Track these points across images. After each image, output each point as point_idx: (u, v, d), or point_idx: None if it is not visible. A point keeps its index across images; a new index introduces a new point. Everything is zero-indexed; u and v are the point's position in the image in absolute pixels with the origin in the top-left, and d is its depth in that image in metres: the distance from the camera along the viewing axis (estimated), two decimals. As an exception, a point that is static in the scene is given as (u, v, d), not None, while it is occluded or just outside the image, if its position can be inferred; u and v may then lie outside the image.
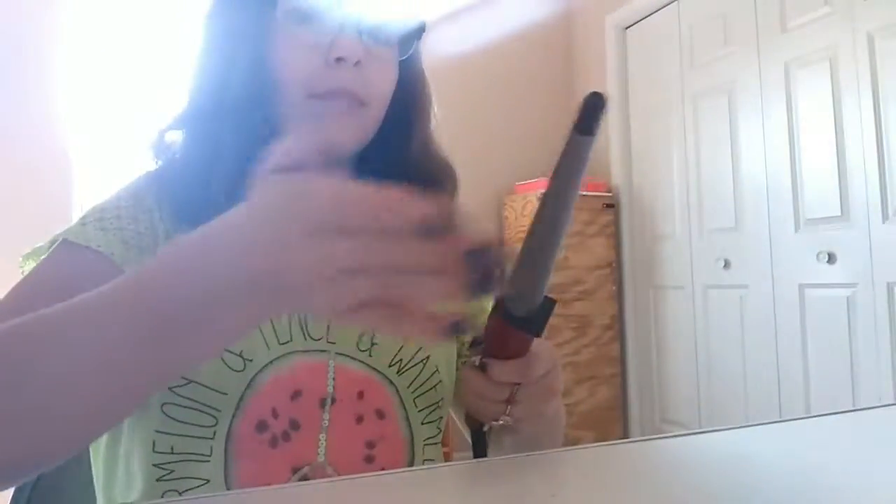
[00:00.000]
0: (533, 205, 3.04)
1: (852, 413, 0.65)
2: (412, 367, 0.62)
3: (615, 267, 3.21)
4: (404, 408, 0.61)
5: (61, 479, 0.71)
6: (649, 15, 3.14)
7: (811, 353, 2.31)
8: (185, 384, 0.53)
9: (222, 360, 0.54)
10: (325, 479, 0.52)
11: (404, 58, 0.63)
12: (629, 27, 3.28)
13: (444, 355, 0.66)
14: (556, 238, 0.44)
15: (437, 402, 0.64)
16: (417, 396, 0.62)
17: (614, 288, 3.19)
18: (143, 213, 0.59)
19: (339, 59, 0.57)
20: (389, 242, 0.31)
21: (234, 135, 0.57)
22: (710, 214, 2.80)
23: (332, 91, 0.58)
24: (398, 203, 0.31)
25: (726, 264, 2.70)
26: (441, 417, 0.65)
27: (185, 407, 0.53)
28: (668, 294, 3.02)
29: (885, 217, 2.10)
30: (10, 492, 0.69)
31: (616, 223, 3.25)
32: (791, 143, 2.41)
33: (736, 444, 0.53)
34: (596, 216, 3.17)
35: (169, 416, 0.53)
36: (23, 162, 2.42)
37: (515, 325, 0.48)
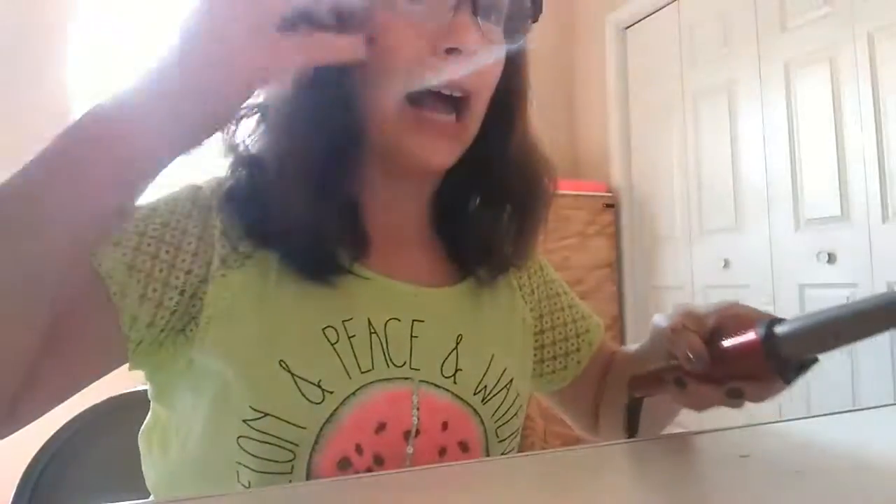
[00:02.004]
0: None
1: (852, 413, 0.65)
2: (496, 393, 0.58)
3: (615, 267, 3.21)
4: (486, 438, 0.57)
5: (62, 479, 0.71)
6: (649, 15, 3.14)
7: (811, 353, 2.30)
8: (261, 417, 0.48)
9: (300, 391, 0.49)
10: (333, 479, 0.51)
11: (514, 45, 0.55)
12: (629, 27, 3.28)
13: (523, 378, 0.63)
14: (864, 335, 0.42)
15: (516, 430, 0.60)
16: (500, 426, 0.58)
17: (614, 288, 3.19)
18: (197, 218, 0.53)
19: (451, 50, 0.50)
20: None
21: (318, 137, 0.51)
22: (710, 214, 2.80)
23: (441, 87, 0.51)
24: None
25: (726, 264, 2.69)
26: (516, 447, 0.61)
27: (260, 441, 0.48)
28: (668, 294, 3.02)
29: (885, 217, 2.10)
30: (11, 492, 0.69)
31: (616, 223, 3.25)
32: (791, 142, 2.40)
33: (736, 444, 0.53)
34: (596, 216, 3.17)
35: (245, 451, 0.49)
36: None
37: (773, 358, 0.45)
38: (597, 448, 0.51)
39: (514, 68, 0.58)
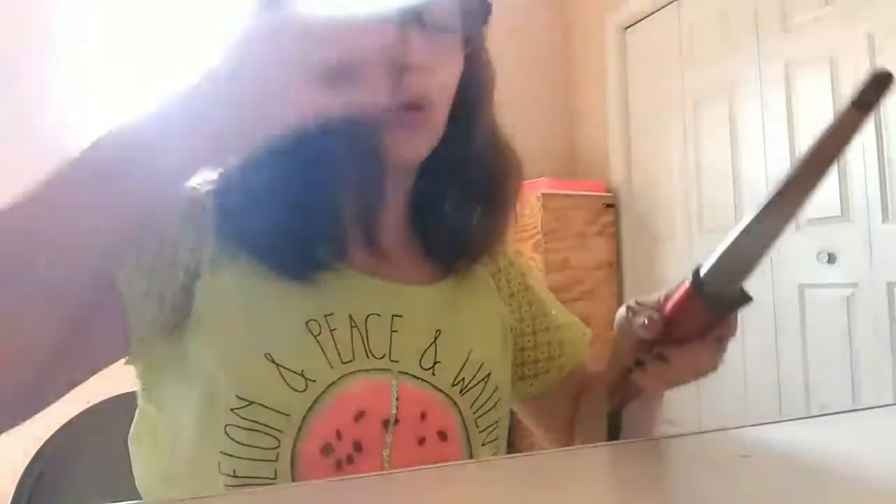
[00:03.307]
0: (533, 205, 3.05)
1: (852, 413, 0.65)
2: (474, 385, 0.60)
3: (615, 267, 3.21)
4: (465, 428, 0.59)
5: (61, 480, 0.71)
6: (649, 15, 3.14)
7: (811, 353, 2.31)
8: (246, 405, 0.51)
9: (284, 380, 0.51)
10: (333, 479, 0.51)
11: (469, 49, 0.58)
12: (629, 27, 3.28)
13: (503, 372, 0.65)
14: (791, 216, 0.43)
15: (497, 422, 0.62)
16: (479, 416, 0.60)
17: (614, 288, 3.19)
18: (186, 226, 0.54)
19: (406, 67, 0.51)
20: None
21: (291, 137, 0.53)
22: (710, 214, 2.80)
23: (396, 100, 0.52)
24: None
25: (726, 264, 2.69)
26: (499, 437, 0.63)
27: (246, 429, 0.51)
28: (668, 294, 3.02)
29: (885, 217, 2.10)
30: (11, 492, 0.69)
31: (616, 223, 3.25)
32: (791, 143, 2.40)
33: (736, 444, 0.53)
34: (596, 216, 3.17)
35: (232, 439, 0.51)
36: (29, 163, 2.42)
37: (705, 300, 0.47)
38: (595, 448, 0.51)
39: (473, 70, 0.60)
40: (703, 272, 0.47)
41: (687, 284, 0.48)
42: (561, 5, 3.61)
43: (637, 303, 0.51)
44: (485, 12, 0.58)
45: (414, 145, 0.57)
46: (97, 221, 0.39)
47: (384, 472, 0.49)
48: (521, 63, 3.42)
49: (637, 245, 3.21)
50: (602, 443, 0.55)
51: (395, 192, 0.62)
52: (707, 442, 0.53)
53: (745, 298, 0.47)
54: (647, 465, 0.48)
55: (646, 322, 0.49)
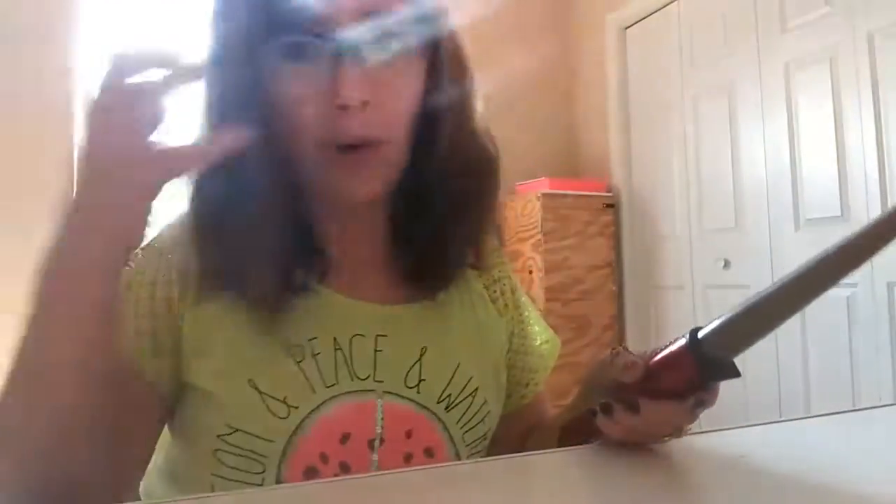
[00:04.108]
0: (533, 205, 3.05)
1: (852, 413, 0.65)
2: (461, 401, 0.60)
3: (615, 267, 3.20)
4: (453, 444, 0.59)
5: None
6: (649, 15, 3.14)
7: (811, 353, 2.31)
8: (232, 433, 0.52)
9: (267, 407, 0.53)
10: (328, 480, 0.51)
11: (428, 63, 0.57)
12: (629, 27, 3.28)
13: (494, 385, 0.64)
14: (812, 298, 0.42)
15: (484, 434, 0.62)
16: (466, 431, 0.60)
17: (614, 288, 3.19)
18: (164, 264, 0.57)
19: (341, 107, 0.51)
20: None
21: (261, 170, 0.52)
22: (710, 214, 2.80)
23: (340, 140, 0.52)
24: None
25: (726, 264, 2.69)
26: (485, 448, 0.63)
27: (234, 455, 0.52)
28: (668, 294, 3.02)
29: (885, 217, 2.10)
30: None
31: (616, 223, 3.25)
32: (791, 142, 2.40)
33: (736, 444, 0.53)
34: (596, 216, 3.17)
35: (222, 463, 0.53)
36: (26, 155, 2.42)
37: (698, 359, 0.45)
38: (593, 448, 0.51)
39: (438, 87, 0.58)
40: (704, 332, 0.46)
41: (683, 341, 0.47)
42: (561, 5, 3.61)
43: (623, 348, 0.50)
44: (440, 28, 0.57)
45: (363, 183, 0.55)
46: (72, 356, 0.44)
47: (349, 477, 0.49)
48: (522, 63, 3.42)
49: (637, 245, 3.21)
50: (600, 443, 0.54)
51: (370, 215, 0.62)
52: (706, 442, 0.53)
53: (735, 372, 0.46)
54: (646, 465, 0.48)
55: (627, 364, 0.47)
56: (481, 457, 0.62)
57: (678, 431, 0.49)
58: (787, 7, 2.44)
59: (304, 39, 0.51)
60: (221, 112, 0.52)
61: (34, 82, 2.48)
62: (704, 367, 0.45)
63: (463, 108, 0.60)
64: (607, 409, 0.49)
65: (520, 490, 0.45)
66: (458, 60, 0.60)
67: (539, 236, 3.01)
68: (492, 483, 0.45)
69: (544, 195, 3.02)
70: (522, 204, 3.13)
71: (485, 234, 0.65)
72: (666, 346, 0.48)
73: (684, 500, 0.40)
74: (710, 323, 0.46)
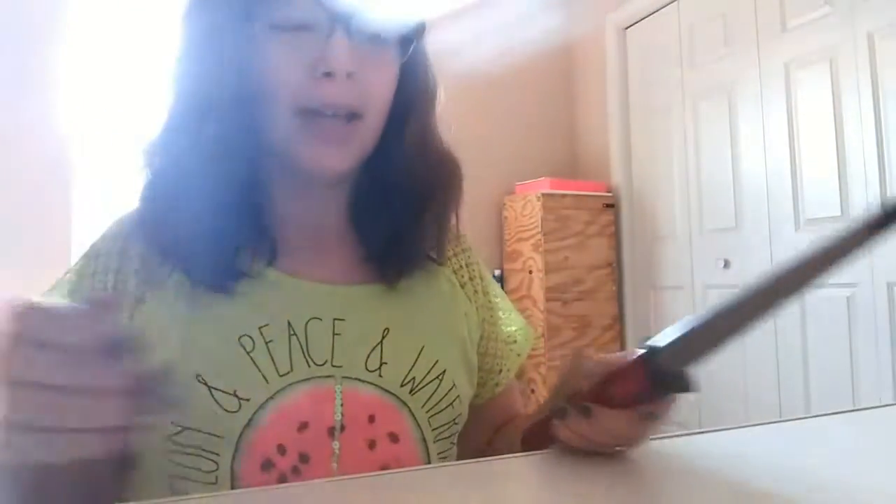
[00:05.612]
0: (534, 205, 3.05)
1: (852, 413, 0.65)
2: (426, 384, 0.58)
3: (615, 267, 3.21)
4: (419, 428, 0.57)
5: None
6: (649, 15, 3.14)
7: (811, 353, 2.31)
8: (180, 431, 0.51)
9: (216, 401, 0.51)
10: (323, 479, 0.51)
11: (404, 59, 0.59)
12: (629, 27, 3.28)
13: (464, 368, 0.63)
14: (769, 313, 0.42)
15: (454, 419, 0.61)
16: (432, 416, 0.58)
17: (614, 288, 3.19)
18: (116, 254, 0.57)
19: (327, 74, 0.52)
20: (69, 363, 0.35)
21: (215, 148, 0.53)
22: (710, 214, 2.80)
23: (322, 107, 0.54)
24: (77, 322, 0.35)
25: (726, 264, 2.70)
26: (456, 433, 0.62)
27: (186, 454, 0.51)
28: (668, 294, 3.02)
29: (885, 217, 2.10)
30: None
31: (616, 223, 3.25)
32: (791, 143, 2.41)
33: (736, 444, 0.53)
34: (596, 216, 3.17)
35: (177, 463, 0.51)
36: (21, 167, 2.42)
37: (648, 369, 0.45)
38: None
39: (410, 82, 0.60)
40: (659, 342, 0.45)
41: (642, 351, 0.46)
42: (561, 5, 3.61)
43: (585, 353, 0.51)
44: (419, 27, 0.59)
45: (335, 154, 0.56)
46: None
47: (313, 481, 0.49)
48: (521, 63, 3.42)
49: (637, 245, 3.21)
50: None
51: (332, 194, 0.62)
52: (705, 442, 0.53)
53: (686, 386, 0.45)
54: (646, 464, 0.48)
55: (585, 370, 0.48)
56: (451, 443, 0.61)
57: (631, 441, 0.48)
58: (787, 7, 2.45)
59: (298, 6, 0.53)
60: (198, 80, 0.54)
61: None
62: (655, 377, 0.45)
63: (429, 109, 0.64)
64: (562, 414, 0.48)
65: (516, 490, 0.45)
66: (427, 67, 0.64)
67: (539, 236, 3.01)
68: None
69: (544, 195, 3.03)
70: (522, 204, 3.14)
71: (446, 225, 0.65)
72: (630, 353, 0.48)
73: (684, 500, 0.40)
74: (668, 331, 0.45)
